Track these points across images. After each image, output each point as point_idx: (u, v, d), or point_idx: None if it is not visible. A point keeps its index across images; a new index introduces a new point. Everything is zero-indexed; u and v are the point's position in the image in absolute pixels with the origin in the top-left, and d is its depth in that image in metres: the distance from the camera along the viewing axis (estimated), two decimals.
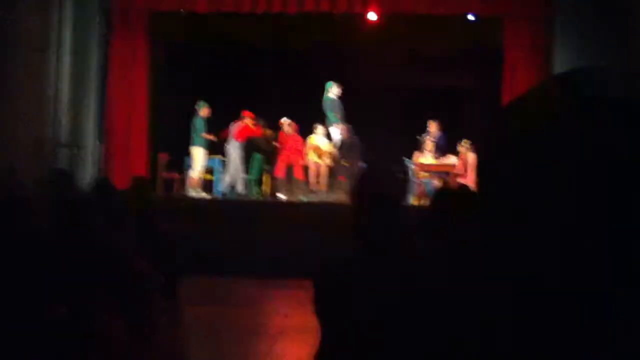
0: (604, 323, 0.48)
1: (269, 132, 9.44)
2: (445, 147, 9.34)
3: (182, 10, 9.51)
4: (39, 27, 8.30)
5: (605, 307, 0.48)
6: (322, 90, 9.35)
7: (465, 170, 8.82)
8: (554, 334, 0.50)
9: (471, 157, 8.75)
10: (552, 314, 0.50)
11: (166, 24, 9.79)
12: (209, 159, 9.42)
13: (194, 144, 9.06)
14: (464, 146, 9.03)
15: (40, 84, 8.42)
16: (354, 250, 2.04)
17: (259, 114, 9.52)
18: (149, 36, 9.72)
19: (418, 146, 9.34)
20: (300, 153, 9.26)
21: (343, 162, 9.04)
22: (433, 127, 9.39)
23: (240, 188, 9.10)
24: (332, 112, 9.17)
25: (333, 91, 9.20)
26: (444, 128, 9.39)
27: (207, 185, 9.55)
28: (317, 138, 9.39)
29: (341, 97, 9.25)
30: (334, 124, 9.18)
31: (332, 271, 2.06)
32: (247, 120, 9.27)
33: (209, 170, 9.56)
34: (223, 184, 9.19)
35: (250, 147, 9.35)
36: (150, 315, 4.52)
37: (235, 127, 9.26)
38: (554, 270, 0.50)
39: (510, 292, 0.53)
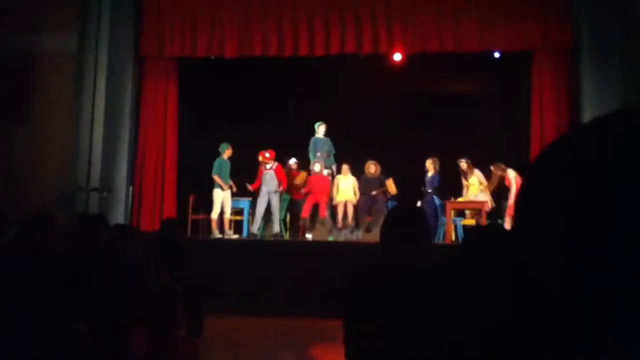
0: (605, 328, 0.49)
1: (299, 180, 9.49)
2: (439, 187, 9.19)
3: (212, 57, 9.78)
4: (74, 73, 8.63)
5: (606, 311, 0.49)
6: (344, 131, 9.55)
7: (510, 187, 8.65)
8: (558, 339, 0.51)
9: (512, 174, 8.64)
10: (557, 320, 0.51)
11: (196, 69, 10.05)
12: (239, 200, 9.48)
13: (215, 186, 9.09)
14: (499, 168, 8.84)
15: (75, 130, 8.69)
16: (384, 289, 2.01)
17: (287, 154, 9.62)
18: (179, 82, 10.00)
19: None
20: (326, 193, 9.28)
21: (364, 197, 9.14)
22: (429, 165, 9.24)
23: (276, 229, 9.11)
24: (315, 150, 9.41)
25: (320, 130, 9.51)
26: (439, 168, 9.24)
27: (237, 226, 9.59)
28: (344, 178, 9.43)
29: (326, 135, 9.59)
30: (316, 162, 9.31)
31: (362, 311, 2.03)
32: (268, 160, 9.22)
33: (239, 211, 9.61)
34: (255, 224, 9.19)
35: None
36: (171, 329, 4.52)
37: (271, 175, 9.16)
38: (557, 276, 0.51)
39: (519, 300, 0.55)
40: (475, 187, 9.02)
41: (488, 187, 8.92)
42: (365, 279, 2.05)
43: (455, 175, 9.25)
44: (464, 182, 9.13)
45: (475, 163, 9.19)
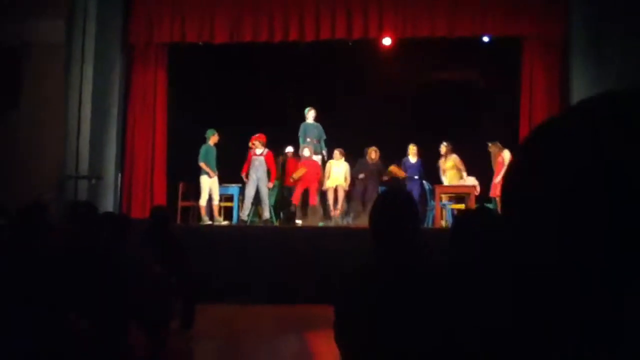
0: (605, 327, 0.49)
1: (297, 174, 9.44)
2: (421, 173, 9.28)
3: (200, 42, 9.69)
4: (62, 61, 8.53)
5: (606, 311, 0.49)
6: (334, 116, 9.50)
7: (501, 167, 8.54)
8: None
9: (507, 155, 8.54)
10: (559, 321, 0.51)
11: (185, 56, 9.95)
12: (228, 187, 9.45)
13: (202, 173, 9.01)
14: (496, 146, 8.76)
15: (63, 118, 8.61)
16: (373, 273, 2.03)
17: (277, 141, 9.59)
18: (168, 69, 9.91)
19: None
20: (317, 178, 9.27)
21: (357, 183, 9.17)
22: (411, 151, 9.33)
23: (266, 215, 9.10)
24: (305, 136, 9.37)
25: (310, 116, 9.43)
26: (421, 153, 9.36)
27: (227, 213, 9.57)
28: (336, 163, 9.42)
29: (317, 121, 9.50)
30: (306, 147, 9.28)
31: (352, 295, 2.05)
32: (260, 147, 9.17)
33: (229, 198, 9.58)
34: (245, 211, 9.16)
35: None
36: (165, 322, 4.53)
37: (260, 161, 9.07)
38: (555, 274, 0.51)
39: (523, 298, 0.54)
40: (453, 173, 9.05)
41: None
42: (357, 274, 2.06)
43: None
44: (441, 165, 9.16)
45: (464, 147, 9.22)
